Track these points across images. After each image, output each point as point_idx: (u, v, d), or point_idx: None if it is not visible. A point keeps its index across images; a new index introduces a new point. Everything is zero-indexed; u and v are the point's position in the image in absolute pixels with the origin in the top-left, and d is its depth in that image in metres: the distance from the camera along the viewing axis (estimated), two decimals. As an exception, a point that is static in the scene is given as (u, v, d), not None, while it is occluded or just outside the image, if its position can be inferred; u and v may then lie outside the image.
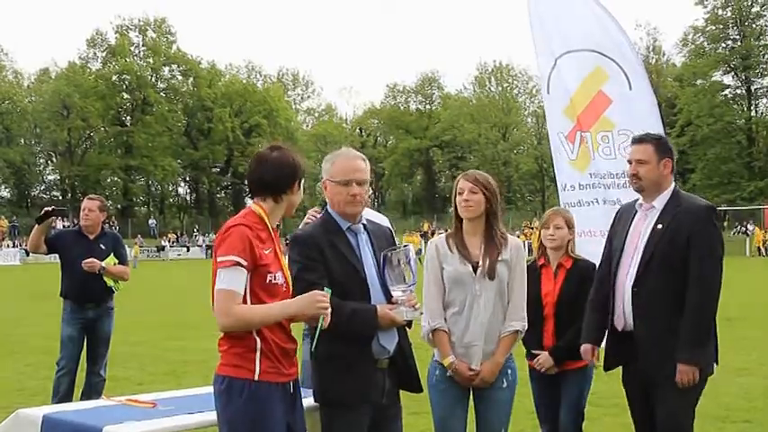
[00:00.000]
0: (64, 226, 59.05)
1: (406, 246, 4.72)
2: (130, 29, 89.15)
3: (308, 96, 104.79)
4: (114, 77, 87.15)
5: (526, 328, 5.45)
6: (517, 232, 61.39)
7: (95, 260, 9.09)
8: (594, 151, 8.23)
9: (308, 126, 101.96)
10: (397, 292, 4.64)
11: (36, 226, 9.13)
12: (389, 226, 6.11)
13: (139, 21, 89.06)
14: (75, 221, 10.23)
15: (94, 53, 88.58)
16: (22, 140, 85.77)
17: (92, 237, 9.38)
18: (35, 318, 19.98)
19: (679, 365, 5.21)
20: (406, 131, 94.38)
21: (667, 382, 5.27)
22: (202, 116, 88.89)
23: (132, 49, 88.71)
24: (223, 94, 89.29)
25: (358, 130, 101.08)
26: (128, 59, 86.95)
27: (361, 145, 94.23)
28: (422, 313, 4.71)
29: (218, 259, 4.18)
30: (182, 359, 14.05)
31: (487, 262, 5.21)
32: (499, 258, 5.26)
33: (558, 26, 8.49)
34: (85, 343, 9.31)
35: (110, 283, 9.28)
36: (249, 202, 4.46)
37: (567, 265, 6.27)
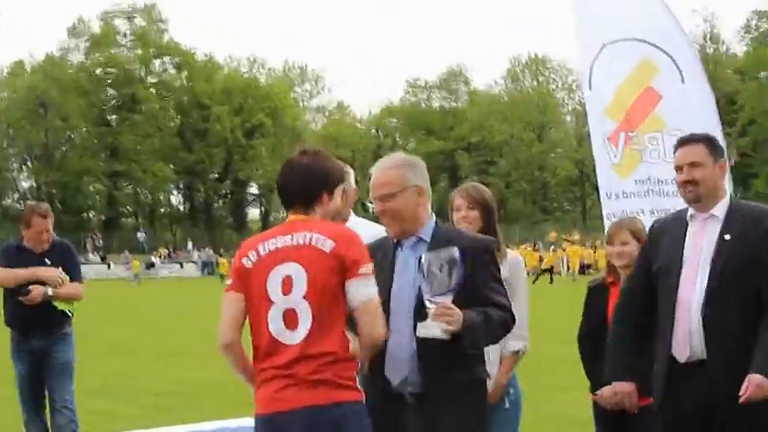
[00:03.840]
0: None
1: (452, 247, 4.57)
2: (117, 16, 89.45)
3: (318, 93, 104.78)
4: (98, 71, 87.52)
5: (528, 348, 5.80)
6: (555, 246, 61.33)
7: (37, 288, 8.32)
8: (642, 154, 8.22)
9: (317, 126, 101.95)
10: (428, 303, 4.54)
11: (13, 274, 8.51)
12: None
13: (127, 7, 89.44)
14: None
15: (76, 43, 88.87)
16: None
17: (37, 251, 8.63)
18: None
19: (751, 377, 4.95)
20: (429, 132, 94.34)
21: (742, 419, 5.06)
22: (198, 115, 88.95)
23: (118, 38, 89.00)
24: (221, 90, 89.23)
25: (374, 131, 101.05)
26: (113, 50, 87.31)
27: (378, 147, 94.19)
28: (449, 334, 4.47)
29: None
30: (172, 390, 14.03)
31: None
32: None
33: (601, 14, 8.53)
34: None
35: (61, 306, 8.54)
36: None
37: None
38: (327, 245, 4.29)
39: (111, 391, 13.48)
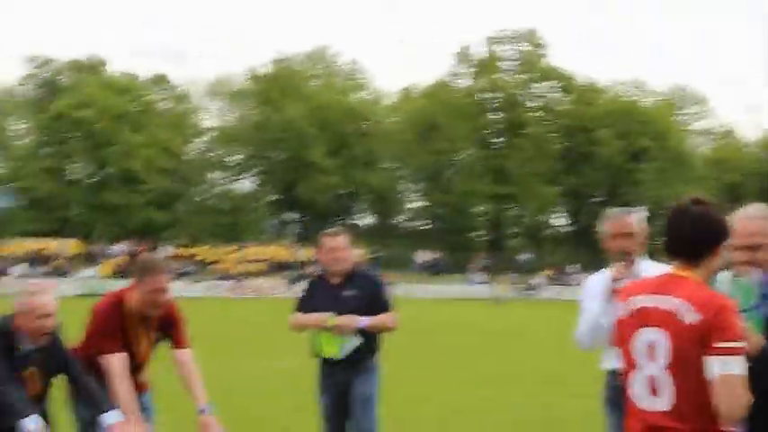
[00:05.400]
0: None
1: None
2: (501, 41, 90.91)
3: (705, 116, 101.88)
4: (484, 95, 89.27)
5: None
6: None
7: (351, 317, 8.19)
8: None
9: (703, 150, 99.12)
10: None
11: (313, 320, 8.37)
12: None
13: (510, 32, 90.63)
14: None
15: (463, 69, 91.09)
16: (384, 164, 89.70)
17: (337, 282, 8.42)
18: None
19: None
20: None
21: None
22: (582, 138, 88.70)
23: (502, 64, 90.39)
24: (605, 114, 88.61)
25: (765, 155, 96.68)
26: (498, 75, 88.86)
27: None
28: None
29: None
30: (538, 418, 13.92)
31: None
32: None
33: None
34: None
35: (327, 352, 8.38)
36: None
37: None
38: (692, 317, 4.13)
39: (468, 415, 13.68)
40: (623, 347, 4.37)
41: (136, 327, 7.62)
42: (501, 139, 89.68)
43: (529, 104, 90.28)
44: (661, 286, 4.31)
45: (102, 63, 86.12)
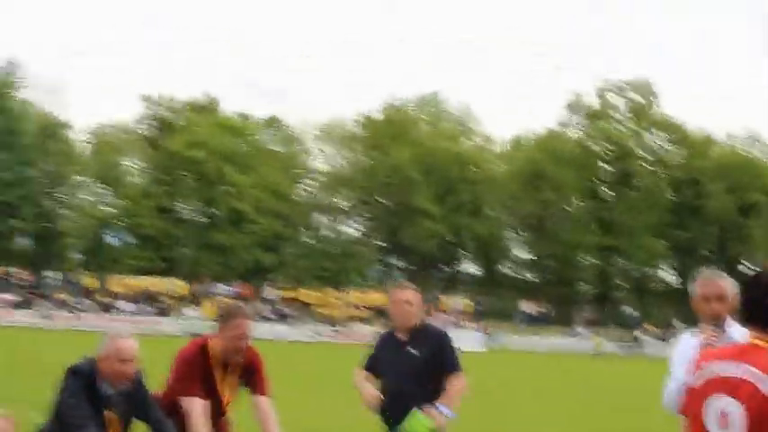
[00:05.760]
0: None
1: None
2: (611, 91, 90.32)
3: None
4: (593, 145, 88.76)
5: None
6: None
7: (439, 417, 7.66)
8: None
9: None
10: None
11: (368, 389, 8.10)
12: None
13: (622, 82, 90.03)
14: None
15: (573, 118, 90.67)
16: (490, 212, 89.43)
17: (404, 338, 8.05)
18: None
19: None
20: None
21: None
22: (692, 191, 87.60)
23: (613, 113, 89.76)
24: (717, 167, 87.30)
25: None
26: (608, 125, 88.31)
27: None
28: None
29: None
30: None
31: None
32: None
33: None
34: None
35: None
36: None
37: None
38: (766, 385, 4.04)
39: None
40: (694, 416, 4.28)
41: (219, 372, 7.80)
42: (609, 190, 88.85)
43: (640, 155, 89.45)
44: (737, 354, 4.20)
45: (217, 103, 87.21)
